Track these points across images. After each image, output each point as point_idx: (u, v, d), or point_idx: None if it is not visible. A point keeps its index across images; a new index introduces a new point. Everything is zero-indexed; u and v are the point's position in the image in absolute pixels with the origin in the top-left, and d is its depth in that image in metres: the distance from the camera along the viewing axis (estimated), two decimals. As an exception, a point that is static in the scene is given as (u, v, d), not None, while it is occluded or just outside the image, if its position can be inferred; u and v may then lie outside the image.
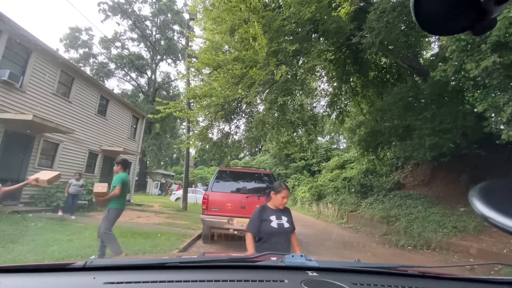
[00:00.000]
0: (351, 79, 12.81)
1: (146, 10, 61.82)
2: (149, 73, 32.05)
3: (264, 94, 8.79)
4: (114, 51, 29.82)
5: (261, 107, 10.00)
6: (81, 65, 26.57)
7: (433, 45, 11.59)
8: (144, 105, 26.39)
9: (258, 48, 6.96)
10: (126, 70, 30.92)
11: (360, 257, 1.53)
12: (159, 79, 32.91)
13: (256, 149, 32.98)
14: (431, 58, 10.96)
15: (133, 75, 31.78)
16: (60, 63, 10.33)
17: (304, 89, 9.00)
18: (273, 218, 2.39)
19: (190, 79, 11.62)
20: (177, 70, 41.97)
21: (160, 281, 0.92)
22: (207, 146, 10.08)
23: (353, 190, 13.54)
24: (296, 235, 2.61)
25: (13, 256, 3.90)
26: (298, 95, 9.56)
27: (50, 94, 9.98)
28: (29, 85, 9.10)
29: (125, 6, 27.65)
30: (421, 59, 11.28)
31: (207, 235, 6.55)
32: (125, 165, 4.58)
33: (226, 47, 8.68)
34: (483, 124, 6.07)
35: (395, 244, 7.75)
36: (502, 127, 5.72)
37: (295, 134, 10.68)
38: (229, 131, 9.83)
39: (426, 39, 10.65)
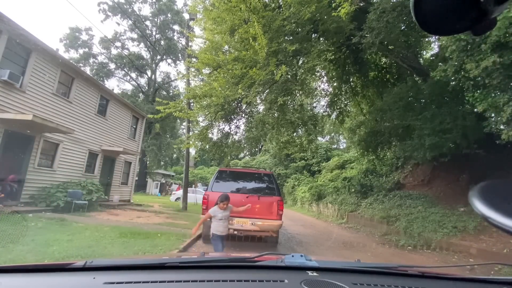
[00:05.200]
0: (351, 79, 12.80)
1: (146, 10, 61.83)
2: (149, 73, 32.08)
3: (264, 94, 8.79)
4: (114, 51, 29.86)
5: (261, 107, 10.02)
6: (81, 65, 26.56)
7: (433, 45, 11.60)
8: (144, 105, 26.38)
9: (258, 48, 6.96)
10: (126, 70, 30.92)
11: (360, 257, 1.53)
12: (159, 79, 32.94)
13: (256, 149, 32.99)
14: (431, 58, 10.97)
15: (133, 75, 31.82)
16: (60, 63, 10.33)
17: (304, 89, 9.00)
18: None
19: (190, 79, 11.63)
20: (177, 70, 41.95)
21: (160, 281, 0.92)
22: (207, 146, 10.07)
23: (353, 190, 13.53)
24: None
25: (13, 256, 3.90)
26: (298, 95, 9.56)
27: (50, 94, 9.98)
28: (29, 85, 9.09)
29: (125, 6, 27.65)
30: (421, 59, 11.27)
31: (207, 235, 6.54)
32: None
33: (226, 47, 8.68)
34: (483, 124, 6.06)
35: (395, 244, 7.74)
36: (502, 127, 5.72)
37: (295, 134, 10.68)
38: (229, 131, 9.84)
39: (426, 39, 10.65)
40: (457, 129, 6.92)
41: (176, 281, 0.93)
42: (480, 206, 0.46)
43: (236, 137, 10.17)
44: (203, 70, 9.23)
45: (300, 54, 8.17)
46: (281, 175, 26.37)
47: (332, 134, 32.57)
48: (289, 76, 7.96)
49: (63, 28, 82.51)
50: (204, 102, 8.67)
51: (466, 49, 5.46)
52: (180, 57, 29.54)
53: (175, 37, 30.37)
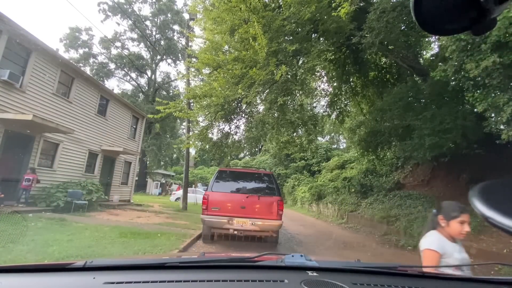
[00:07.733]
0: (351, 79, 12.81)
1: (146, 10, 61.86)
2: (149, 73, 32.06)
3: (264, 94, 8.79)
4: (114, 51, 29.82)
5: (261, 107, 10.00)
6: (81, 65, 26.55)
7: (433, 45, 11.60)
8: (144, 105, 26.38)
9: (258, 48, 6.96)
10: (126, 70, 30.90)
11: (360, 257, 1.53)
12: (159, 79, 32.92)
13: (256, 149, 32.99)
14: (431, 58, 10.96)
15: (133, 75, 31.79)
16: (60, 63, 10.33)
17: (304, 89, 9.00)
18: None
19: (190, 79, 11.62)
20: (177, 70, 42.01)
21: (160, 281, 0.92)
22: (207, 146, 10.07)
23: (353, 190, 13.54)
24: None
25: (13, 256, 3.90)
26: (298, 95, 9.56)
27: (50, 94, 9.98)
28: (29, 85, 9.09)
29: (125, 6, 27.64)
30: (421, 59, 11.27)
31: (207, 235, 6.55)
32: None
33: (226, 47, 8.67)
34: (483, 124, 6.06)
35: (395, 244, 7.75)
36: (502, 127, 5.72)
37: (295, 134, 10.68)
38: (229, 131, 9.83)
39: (426, 39, 10.64)
40: (457, 129, 6.91)
41: (176, 281, 0.93)
42: (480, 206, 0.46)
43: (236, 137, 10.17)
44: (203, 70, 9.22)
45: (300, 54, 8.16)
46: (281, 175, 26.37)
47: (332, 134, 32.58)
48: (289, 76, 7.96)
49: (63, 28, 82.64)
50: (204, 102, 8.67)
51: (466, 49, 5.46)
52: (180, 57, 29.53)
53: (175, 37, 30.38)
